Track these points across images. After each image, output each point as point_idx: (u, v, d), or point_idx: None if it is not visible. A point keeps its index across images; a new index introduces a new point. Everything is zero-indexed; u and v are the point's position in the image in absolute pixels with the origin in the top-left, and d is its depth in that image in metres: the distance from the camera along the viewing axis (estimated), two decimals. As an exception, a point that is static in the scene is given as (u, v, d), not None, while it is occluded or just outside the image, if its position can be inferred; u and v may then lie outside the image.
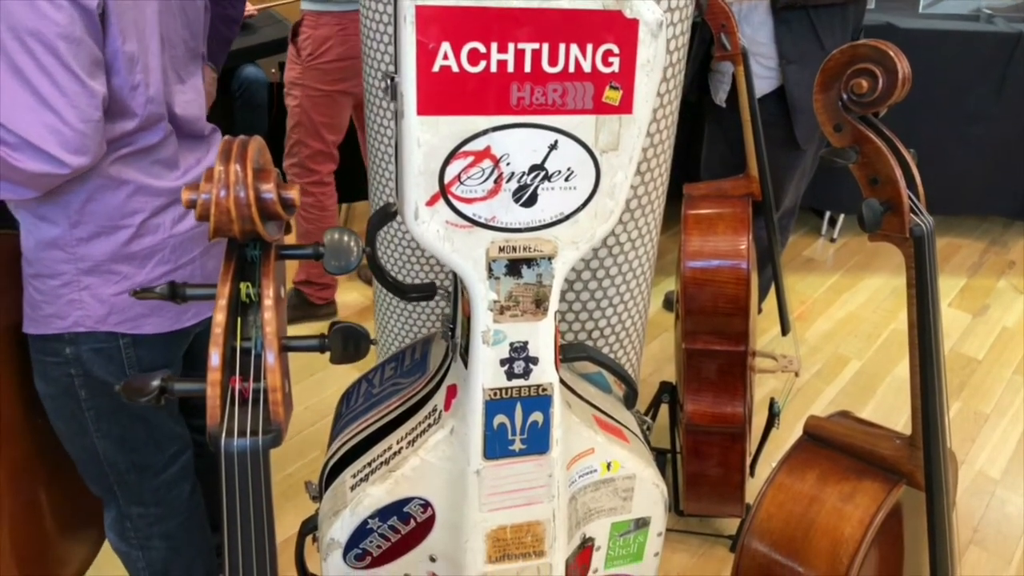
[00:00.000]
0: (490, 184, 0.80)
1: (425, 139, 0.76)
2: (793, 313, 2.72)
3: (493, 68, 0.75)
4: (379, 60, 1.37)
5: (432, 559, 0.99)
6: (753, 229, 1.78)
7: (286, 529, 1.68)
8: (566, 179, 0.82)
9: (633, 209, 1.33)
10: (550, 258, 0.85)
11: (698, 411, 1.80)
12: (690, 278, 1.73)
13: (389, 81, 0.80)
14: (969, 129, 3.32)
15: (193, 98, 1.26)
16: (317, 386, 2.52)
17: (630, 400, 1.16)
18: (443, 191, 0.79)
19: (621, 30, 0.77)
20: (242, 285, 0.67)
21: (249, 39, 3.00)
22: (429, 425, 0.96)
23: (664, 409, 2.06)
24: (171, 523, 1.43)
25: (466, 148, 0.78)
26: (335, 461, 1.04)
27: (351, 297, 3.04)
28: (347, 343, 0.72)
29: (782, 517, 1.18)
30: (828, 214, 3.71)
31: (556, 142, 0.80)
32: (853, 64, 1.02)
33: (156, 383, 0.66)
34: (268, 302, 0.66)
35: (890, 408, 2.63)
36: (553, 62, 0.76)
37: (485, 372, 0.88)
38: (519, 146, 0.79)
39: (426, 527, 0.97)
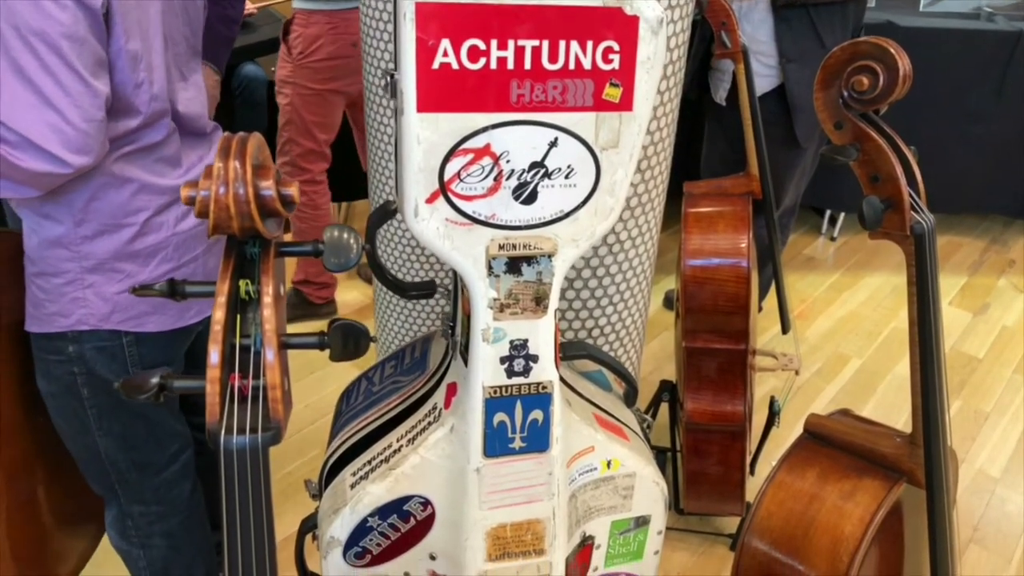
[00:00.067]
0: (490, 181, 0.80)
1: (425, 136, 0.76)
2: (793, 311, 2.72)
3: (493, 65, 0.75)
4: (379, 58, 1.37)
5: (432, 557, 0.99)
6: (753, 227, 1.78)
7: (286, 527, 1.68)
8: (566, 176, 0.82)
9: (633, 207, 1.33)
10: (550, 256, 0.85)
11: (698, 409, 1.80)
12: (690, 276, 1.73)
13: (389, 78, 0.80)
14: (969, 128, 3.32)
15: (195, 95, 1.26)
16: (317, 384, 2.52)
17: (630, 398, 1.16)
18: (443, 188, 0.79)
19: (621, 27, 0.77)
20: (241, 282, 0.67)
21: (249, 37, 3.01)
22: (429, 423, 0.96)
23: (664, 407, 2.06)
24: (172, 521, 1.43)
25: (466, 145, 0.78)
26: (335, 459, 1.04)
27: (351, 296, 3.04)
28: (347, 340, 0.71)
29: (782, 515, 1.17)
30: (828, 212, 3.71)
31: (556, 139, 0.80)
32: (854, 61, 1.02)
33: (155, 380, 0.66)
34: (267, 299, 0.66)
35: (890, 406, 2.63)
36: (553, 59, 0.76)
37: (485, 370, 0.88)
38: (519, 143, 0.79)
39: (426, 525, 0.97)
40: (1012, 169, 3.42)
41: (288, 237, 0.77)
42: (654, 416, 2.12)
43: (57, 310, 1.17)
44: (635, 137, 0.82)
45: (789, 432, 2.26)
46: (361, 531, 0.96)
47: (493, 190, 0.80)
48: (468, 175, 0.79)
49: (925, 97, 3.13)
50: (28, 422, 1.31)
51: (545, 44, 0.75)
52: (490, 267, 0.84)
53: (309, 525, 1.04)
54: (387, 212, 0.98)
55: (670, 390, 2.02)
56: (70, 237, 1.14)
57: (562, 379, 0.93)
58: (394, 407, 1.04)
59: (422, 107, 0.75)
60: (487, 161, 0.79)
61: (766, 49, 2.24)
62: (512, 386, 0.89)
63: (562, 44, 0.76)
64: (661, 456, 2.13)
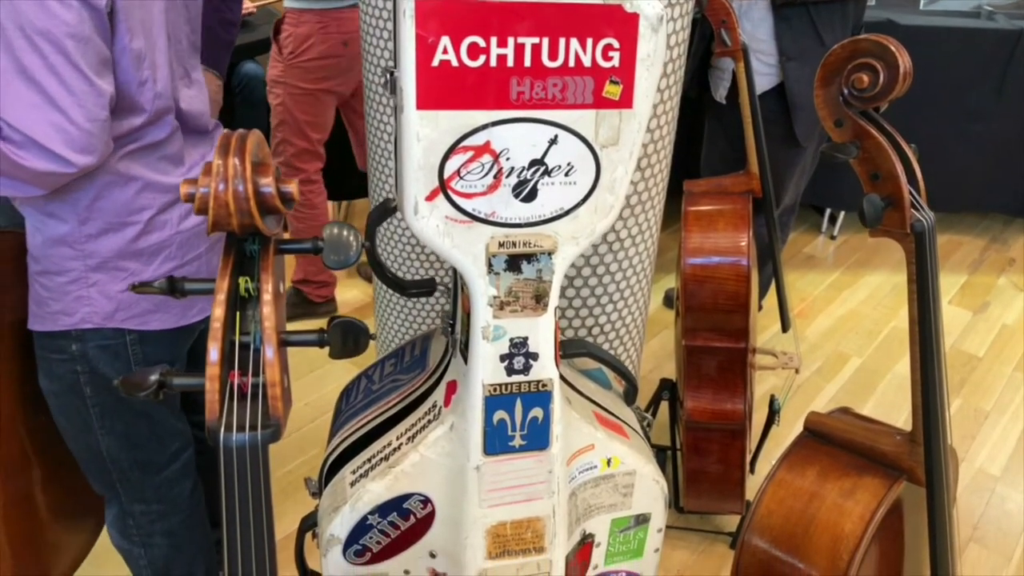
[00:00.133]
0: (490, 179, 0.80)
1: (424, 134, 0.76)
2: (793, 310, 2.72)
3: (493, 62, 0.75)
4: (379, 55, 1.37)
5: (432, 555, 0.99)
6: (753, 226, 1.78)
7: (286, 526, 1.68)
8: (566, 174, 0.82)
9: (633, 205, 1.33)
10: (550, 253, 0.85)
11: (698, 408, 1.80)
12: (690, 275, 1.73)
13: (389, 76, 0.80)
14: (969, 126, 3.32)
15: (197, 93, 1.26)
16: (317, 382, 2.52)
17: (630, 396, 1.16)
18: (443, 186, 0.79)
19: (621, 24, 0.77)
20: (241, 280, 0.67)
21: (248, 36, 3.00)
22: (429, 421, 0.96)
23: (664, 406, 2.06)
24: (173, 520, 1.43)
25: (466, 143, 0.77)
26: (335, 457, 1.04)
27: (351, 294, 3.04)
28: (346, 337, 0.71)
29: (782, 513, 1.17)
30: (828, 211, 3.70)
31: (556, 137, 0.79)
32: (854, 59, 1.02)
33: (154, 377, 0.66)
34: (267, 296, 0.66)
35: (891, 405, 2.63)
36: (553, 56, 0.76)
37: (485, 368, 0.88)
38: (519, 141, 0.79)
39: (426, 523, 0.97)
40: (1012, 168, 3.42)
41: (286, 237, 0.77)
42: (654, 414, 2.12)
43: (61, 308, 1.18)
44: (635, 135, 0.82)
45: (789, 430, 2.26)
46: (361, 529, 0.96)
47: (493, 188, 0.80)
48: (468, 173, 0.79)
49: (925, 95, 3.13)
50: (28, 420, 1.31)
51: (545, 41, 0.75)
52: (490, 265, 0.84)
53: (309, 523, 1.04)
54: (387, 210, 0.98)
55: (670, 388, 2.03)
56: (74, 235, 1.14)
57: (562, 377, 0.93)
58: (394, 405, 1.04)
59: (422, 104, 0.75)
60: (487, 159, 0.79)
61: (766, 47, 2.24)
62: (512, 384, 0.89)
63: (562, 41, 0.76)
64: (661, 454, 2.13)
